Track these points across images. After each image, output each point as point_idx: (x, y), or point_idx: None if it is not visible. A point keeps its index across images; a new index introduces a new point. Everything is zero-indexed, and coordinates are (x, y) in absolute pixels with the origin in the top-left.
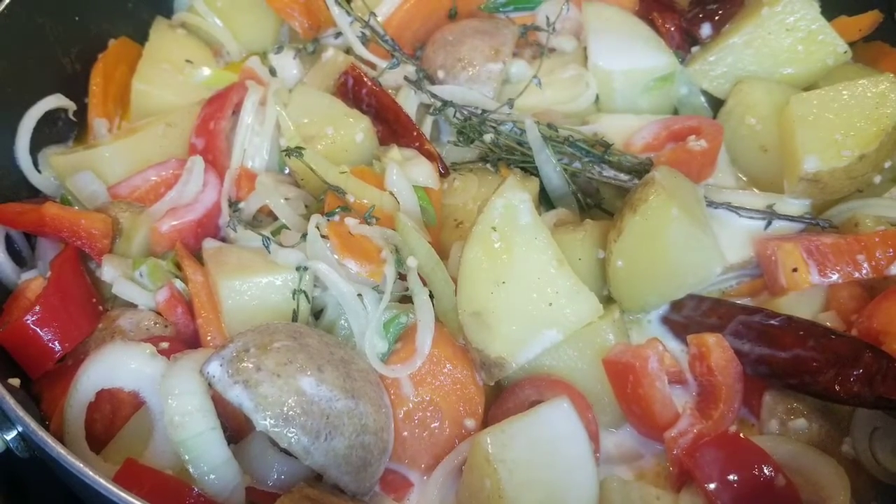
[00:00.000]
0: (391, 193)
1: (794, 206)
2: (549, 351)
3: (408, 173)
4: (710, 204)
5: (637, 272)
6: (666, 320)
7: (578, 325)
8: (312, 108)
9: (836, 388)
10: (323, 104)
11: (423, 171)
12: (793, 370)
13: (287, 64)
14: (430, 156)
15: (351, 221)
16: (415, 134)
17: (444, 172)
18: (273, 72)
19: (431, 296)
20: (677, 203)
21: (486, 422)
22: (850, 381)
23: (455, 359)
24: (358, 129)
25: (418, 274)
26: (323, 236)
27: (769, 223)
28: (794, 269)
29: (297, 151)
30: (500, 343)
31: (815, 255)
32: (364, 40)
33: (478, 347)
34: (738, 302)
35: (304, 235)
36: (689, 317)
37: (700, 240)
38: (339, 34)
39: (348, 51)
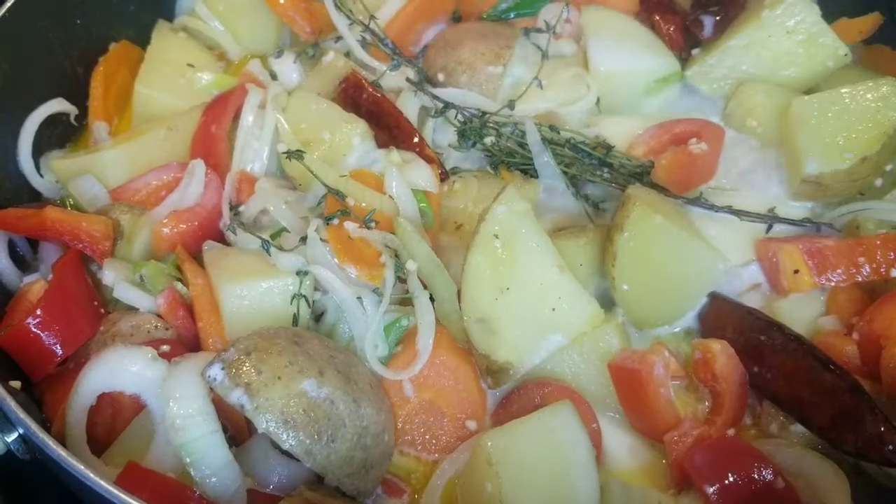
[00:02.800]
0: (390, 197)
1: (796, 208)
2: (553, 355)
3: (407, 176)
4: (712, 207)
5: (645, 290)
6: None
7: (581, 330)
8: (309, 113)
9: (832, 436)
10: (320, 109)
11: (423, 174)
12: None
13: (287, 68)
14: (430, 160)
15: (350, 225)
16: (415, 140)
17: (444, 176)
18: (273, 76)
19: (432, 298)
20: (659, 211)
21: (489, 424)
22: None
23: (456, 361)
24: (354, 134)
25: (419, 277)
26: (322, 240)
27: (770, 227)
28: (796, 271)
29: (297, 154)
30: (506, 349)
31: (816, 257)
32: (364, 44)
33: (484, 353)
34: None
35: (304, 239)
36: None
37: (691, 241)
38: (340, 38)
39: (349, 54)
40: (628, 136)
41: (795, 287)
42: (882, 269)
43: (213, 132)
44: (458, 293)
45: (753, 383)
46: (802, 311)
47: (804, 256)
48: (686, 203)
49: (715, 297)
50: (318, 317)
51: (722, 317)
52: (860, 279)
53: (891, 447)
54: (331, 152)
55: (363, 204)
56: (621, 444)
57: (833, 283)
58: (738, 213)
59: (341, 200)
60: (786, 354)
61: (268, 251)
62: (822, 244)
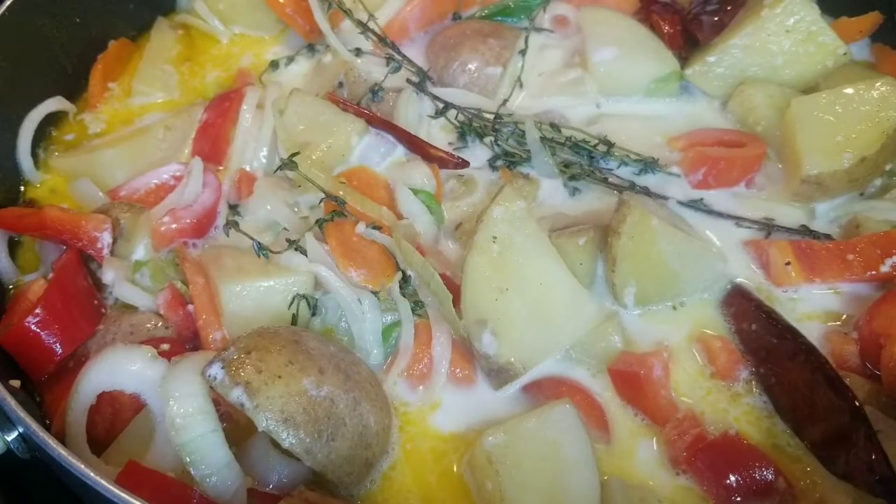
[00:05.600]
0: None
1: (796, 208)
2: (553, 355)
3: (407, 176)
4: (710, 212)
5: (647, 295)
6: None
7: (581, 330)
8: (308, 114)
9: (822, 453)
10: (318, 110)
11: (422, 174)
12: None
13: (285, 69)
14: (432, 158)
15: (361, 227)
16: (431, 152)
17: (462, 162)
18: (264, 84)
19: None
20: (654, 215)
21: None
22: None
23: (455, 361)
24: (353, 133)
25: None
26: (323, 241)
27: (768, 234)
28: (787, 263)
29: (290, 165)
30: (506, 349)
31: (808, 256)
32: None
33: (485, 354)
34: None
35: (298, 241)
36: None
37: (689, 241)
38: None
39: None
40: (628, 136)
41: (787, 280)
42: (880, 269)
43: (213, 132)
44: (458, 294)
45: (758, 383)
46: (802, 311)
47: (795, 251)
48: (684, 207)
49: (738, 290)
50: (318, 317)
51: (743, 311)
52: (854, 278)
53: (878, 478)
54: (330, 152)
55: (360, 209)
56: (626, 440)
57: (827, 282)
58: (736, 220)
59: (340, 205)
60: (793, 363)
61: (258, 255)
62: (816, 244)
